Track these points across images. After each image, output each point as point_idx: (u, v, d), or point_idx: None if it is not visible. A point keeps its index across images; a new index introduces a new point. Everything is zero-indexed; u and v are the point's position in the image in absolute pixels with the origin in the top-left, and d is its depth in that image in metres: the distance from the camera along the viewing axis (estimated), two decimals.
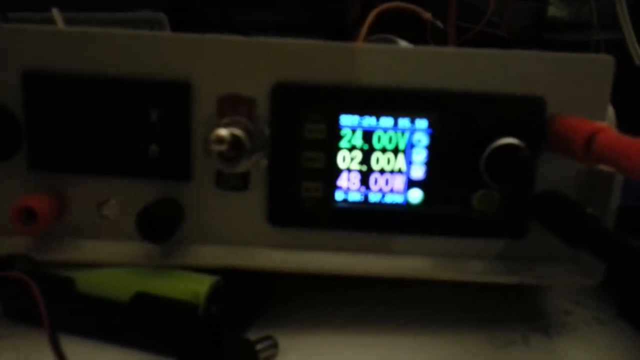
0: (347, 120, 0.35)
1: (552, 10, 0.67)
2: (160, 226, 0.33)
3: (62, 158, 0.35)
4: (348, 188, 0.36)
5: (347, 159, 0.36)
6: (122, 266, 0.34)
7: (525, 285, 0.37)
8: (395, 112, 0.35)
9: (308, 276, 0.36)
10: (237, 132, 0.33)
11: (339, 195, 0.36)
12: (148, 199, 0.35)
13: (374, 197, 0.36)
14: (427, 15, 0.47)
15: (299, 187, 0.35)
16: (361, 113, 0.35)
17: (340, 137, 0.35)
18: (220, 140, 0.31)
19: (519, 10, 0.61)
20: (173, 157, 0.35)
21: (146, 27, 0.51)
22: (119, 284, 0.33)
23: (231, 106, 0.35)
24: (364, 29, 0.42)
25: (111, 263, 0.34)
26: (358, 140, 0.36)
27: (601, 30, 0.63)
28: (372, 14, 0.42)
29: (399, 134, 0.36)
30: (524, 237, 0.37)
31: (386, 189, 0.36)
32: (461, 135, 0.35)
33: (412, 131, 0.36)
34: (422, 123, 0.35)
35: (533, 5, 0.65)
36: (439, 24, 0.48)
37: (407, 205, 0.36)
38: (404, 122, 0.35)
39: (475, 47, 0.35)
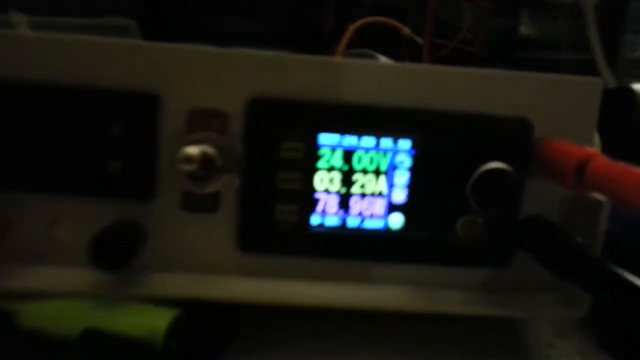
0: (326, 139, 0.33)
1: (523, 29, 0.66)
2: (115, 252, 0.30)
3: (8, 174, 0.32)
4: (325, 211, 0.34)
5: (325, 180, 0.33)
6: (72, 297, 0.31)
7: (507, 317, 0.35)
8: (378, 132, 0.33)
9: (281, 308, 0.33)
10: (208, 149, 0.31)
11: (315, 220, 0.34)
12: (105, 220, 0.31)
13: (352, 222, 0.34)
14: (407, 30, 0.46)
15: (273, 209, 0.33)
16: (342, 132, 0.33)
17: (318, 157, 0.33)
18: (190, 159, 0.28)
19: (492, 28, 0.61)
20: (135, 174, 0.32)
21: (114, 34, 0.47)
22: (67, 318, 0.30)
23: (202, 121, 0.32)
24: (344, 42, 0.39)
25: (59, 293, 0.31)
26: (338, 160, 0.33)
27: (571, 49, 0.63)
28: (352, 28, 0.39)
29: (381, 155, 0.33)
30: (507, 266, 0.35)
31: (366, 213, 0.34)
32: (446, 157, 0.33)
33: (395, 152, 0.33)
34: (405, 144, 0.33)
35: (506, 24, 0.64)
36: (419, 39, 0.46)
37: (387, 230, 0.34)
38: (386, 142, 0.33)
39: (448, 64, 0.33)
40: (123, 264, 0.30)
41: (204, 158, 0.30)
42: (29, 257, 0.33)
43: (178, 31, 0.58)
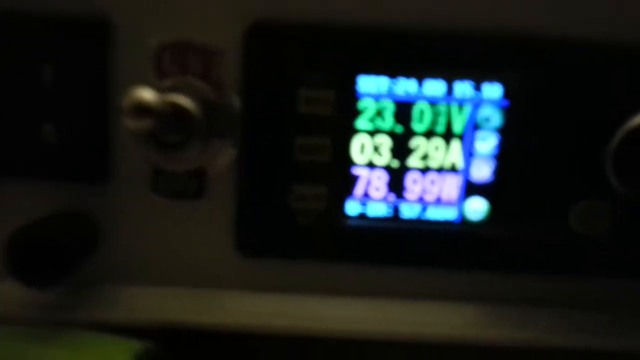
0: (368, 83, 0.27)
1: None
2: (41, 261, 0.26)
3: None
4: (367, 196, 0.28)
5: (367, 149, 0.28)
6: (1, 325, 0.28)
7: None
8: (449, 72, 0.27)
9: (300, 336, 0.29)
10: (183, 101, 0.24)
11: (352, 208, 0.28)
12: (41, 212, 0.27)
13: (409, 211, 0.28)
14: None
15: (288, 194, 0.28)
16: (393, 72, 0.27)
17: (357, 112, 0.27)
18: (140, 108, 0.21)
19: None
20: (80, 143, 0.28)
21: None
22: None
23: (177, 61, 0.27)
24: None
25: None
26: (387, 117, 0.27)
27: None
28: None
29: (455, 108, 0.27)
30: None
31: (430, 197, 0.28)
32: (561, 109, 0.27)
33: (477, 103, 0.27)
34: (493, 90, 0.27)
35: None
36: None
37: (462, 223, 0.29)
38: (462, 87, 0.27)
39: None
40: (54, 279, 0.26)
41: (175, 112, 0.23)
42: None
43: None
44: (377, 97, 0.27)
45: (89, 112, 0.27)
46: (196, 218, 0.29)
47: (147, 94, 0.21)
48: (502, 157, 0.27)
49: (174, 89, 0.25)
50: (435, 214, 0.28)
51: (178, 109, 0.24)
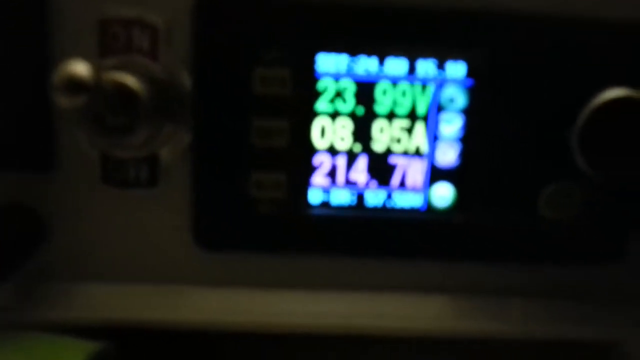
0: (328, 62, 0.25)
1: None
2: None
3: None
4: (331, 183, 0.27)
5: (328, 132, 0.26)
6: None
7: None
8: (412, 49, 0.25)
9: (262, 333, 0.28)
10: (128, 79, 0.22)
11: (313, 196, 0.27)
12: None
13: (373, 199, 0.27)
14: None
15: (246, 181, 0.26)
16: (353, 49, 0.25)
17: (317, 94, 0.26)
18: (73, 83, 0.19)
19: None
20: (20, 129, 0.26)
21: None
22: None
23: (121, 36, 0.25)
24: None
25: None
26: (348, 98, 0.26)
27: None
28: None
29: (418, 88, 0.25)
30: (619, 259, 0.28)
31: (395, 183, 0.27)
32: (528, 87, 0.25)
33: (441, 83, 0.26)
34: (457, 68, 0.25)
35: None
36: None
37: (428, 211, 0.27)
38: (425, 66, 0.25)
39: None
40: None
41: (119, 92, 0.22)
42: None
43: None
44: (336, 76, 0.25)
45: (29, 94, 0.25)
46: (151, 209, 0.27)
47: (80, 68, 0.19)
48: (468, 140, 0.26)
49: (118, 67, 0.23)
50: (400, 201, 0.26)
51: (121, 88, 0.22)
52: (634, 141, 0.23)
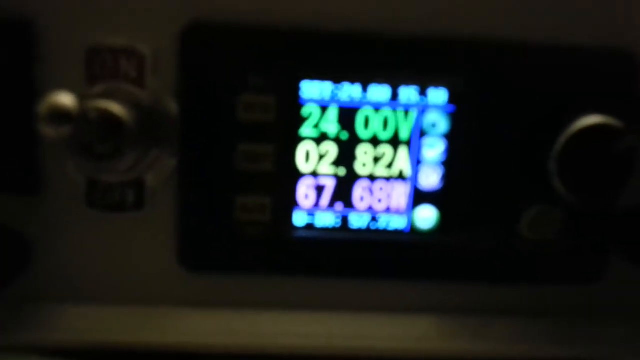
0: (312, 89, 0.26)
1: None
2: None
3: None
4: (315, 206, 0.27)
5: (313, 157, 0.26)
6: None
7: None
8: (394, 77, 0.26)
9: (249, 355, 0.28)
10: (113, 107, 0.22)
11: (299, 219, 0.27)
12: None
13: (357, 221, 0.27)
14: None
15: (231, 205, 0.27)
16: (337, 77, 0.25)
17: (301, 119, 0.26)
18: (58, 114, 0.20)
19: None
20: (6, 153, 0.26)
21: None
22: None
23: (109, 64, 0.25)
24: None
25: None
26: (332, 123, 0.26)
27: None
28: None
29: (401, 114, 0.26)
30: (597, 281, 0.28)
31: (379, 207, 0.27)
32: (508, 113, 0.26)
33: (423, 108, 0.26)
34: (438, 94, 0.26)
35: None
36: None
37: (412, 233, 0.27)
38: (408, 92, 0.26)
39: None
40: None
41: (104, 119, 0.22)
42: None
43: None
44: (321, 103, 0.25)
45: (15, 119, 0.25)
46: (136, 232, 0.27)
47: (65, 99, 0.19)
48: (450, 163, 0.26)
49: (105, 95, 0.23)
50: (384, 223, 0.26)
51: (106, 116, 0.22)
52: (609, 166, 0.23)
